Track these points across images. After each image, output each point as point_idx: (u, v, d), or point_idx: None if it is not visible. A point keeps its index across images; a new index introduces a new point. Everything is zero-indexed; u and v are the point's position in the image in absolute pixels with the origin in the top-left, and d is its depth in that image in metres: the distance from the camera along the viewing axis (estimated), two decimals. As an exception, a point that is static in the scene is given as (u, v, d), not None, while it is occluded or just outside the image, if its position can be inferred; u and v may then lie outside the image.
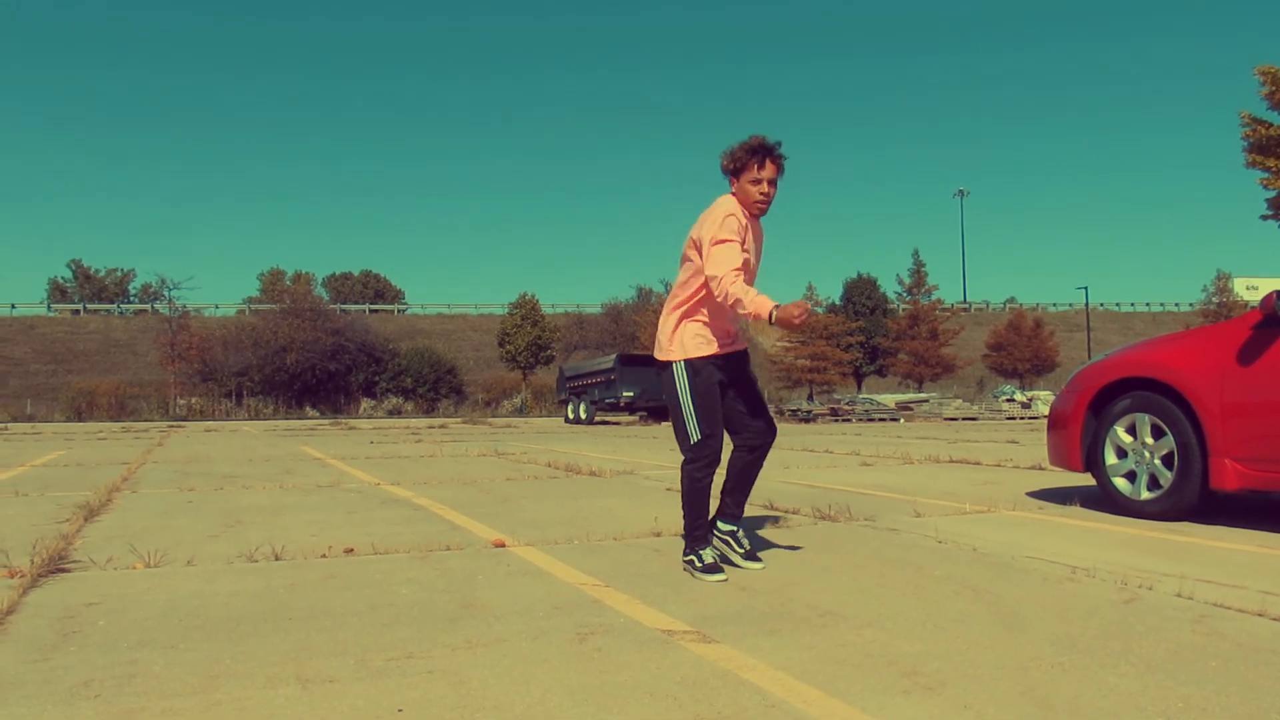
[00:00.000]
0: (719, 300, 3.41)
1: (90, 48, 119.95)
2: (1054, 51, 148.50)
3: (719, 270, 3.36)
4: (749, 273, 3.52)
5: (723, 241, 3.40)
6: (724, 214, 3.45)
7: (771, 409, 31.04)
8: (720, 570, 3.50)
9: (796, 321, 3.17)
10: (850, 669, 2.33)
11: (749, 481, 3.78)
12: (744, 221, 3.49)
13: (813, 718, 1.99)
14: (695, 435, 3.52)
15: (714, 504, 3.74)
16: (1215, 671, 2.29)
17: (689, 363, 3.55)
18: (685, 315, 3.60)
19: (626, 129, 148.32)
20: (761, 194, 3.50)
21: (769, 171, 3.48)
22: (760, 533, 4.53)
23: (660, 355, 3.64)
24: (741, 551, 3.72)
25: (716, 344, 3.58)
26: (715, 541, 3.72)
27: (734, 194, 3.55)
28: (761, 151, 3.47)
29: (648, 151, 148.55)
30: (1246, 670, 2.29)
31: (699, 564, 3.53)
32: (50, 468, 9.67)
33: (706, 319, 3.59)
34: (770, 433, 3.78)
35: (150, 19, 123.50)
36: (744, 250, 3.45)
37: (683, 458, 3.60)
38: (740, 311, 3.38)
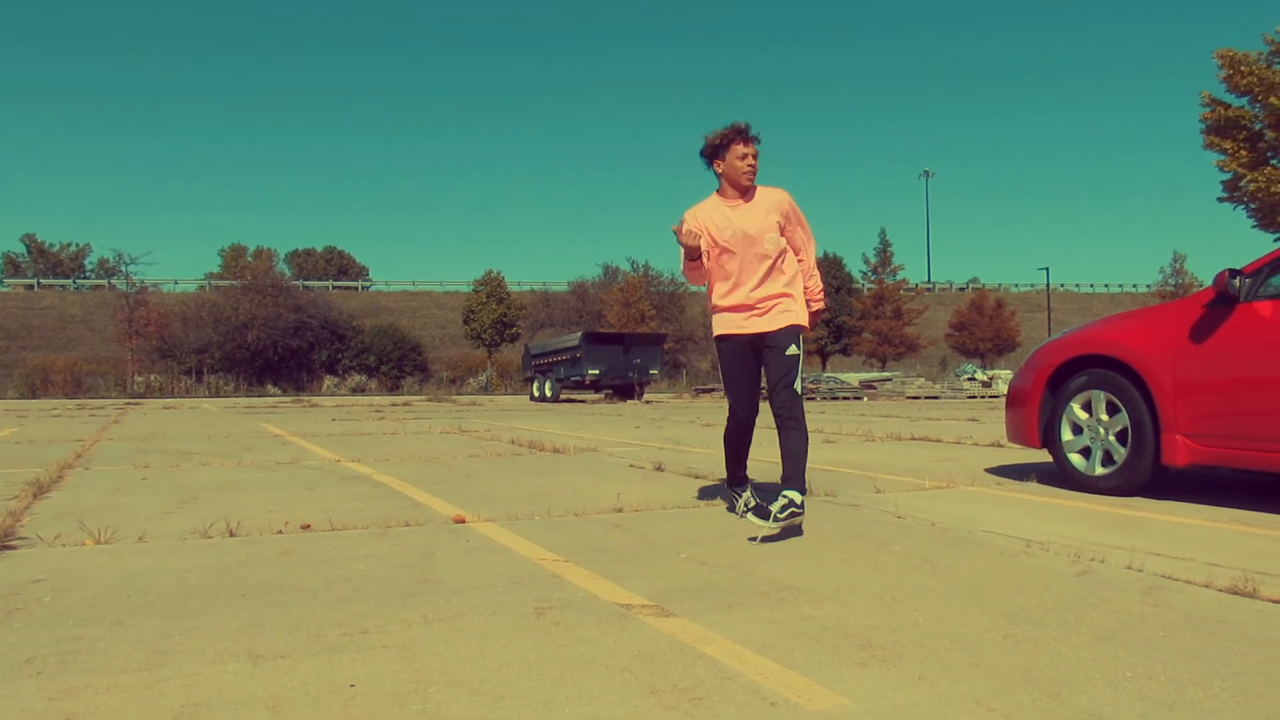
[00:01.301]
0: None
1: (45, 22, 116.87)
2: (1019, 35, 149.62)
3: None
4: (738, 248, 3.98)
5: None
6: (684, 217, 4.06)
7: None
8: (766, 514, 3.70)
9: (685, 240, 3.87)
10: (808, 642, 2.34)
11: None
12: (707, 215, 4.02)
13: (769, 689, 1.99)
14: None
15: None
16: (1162, 641, 2.32)
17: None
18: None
19: (593, 108, 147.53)
20: (749, 166, 3.96)
21: (752, 148, 3.97)
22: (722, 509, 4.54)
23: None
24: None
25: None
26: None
27: (719, 174, 4.02)
28: (745, 132, 3.96)
29: (615, 131, 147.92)
30: (1192, 640, 2.33)
31: (745, 507, 3.88)
32: (0, 444, 9.46)
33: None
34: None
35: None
36: (707, 236, 4.01)
37: None
38: (684, 267, 4.07)
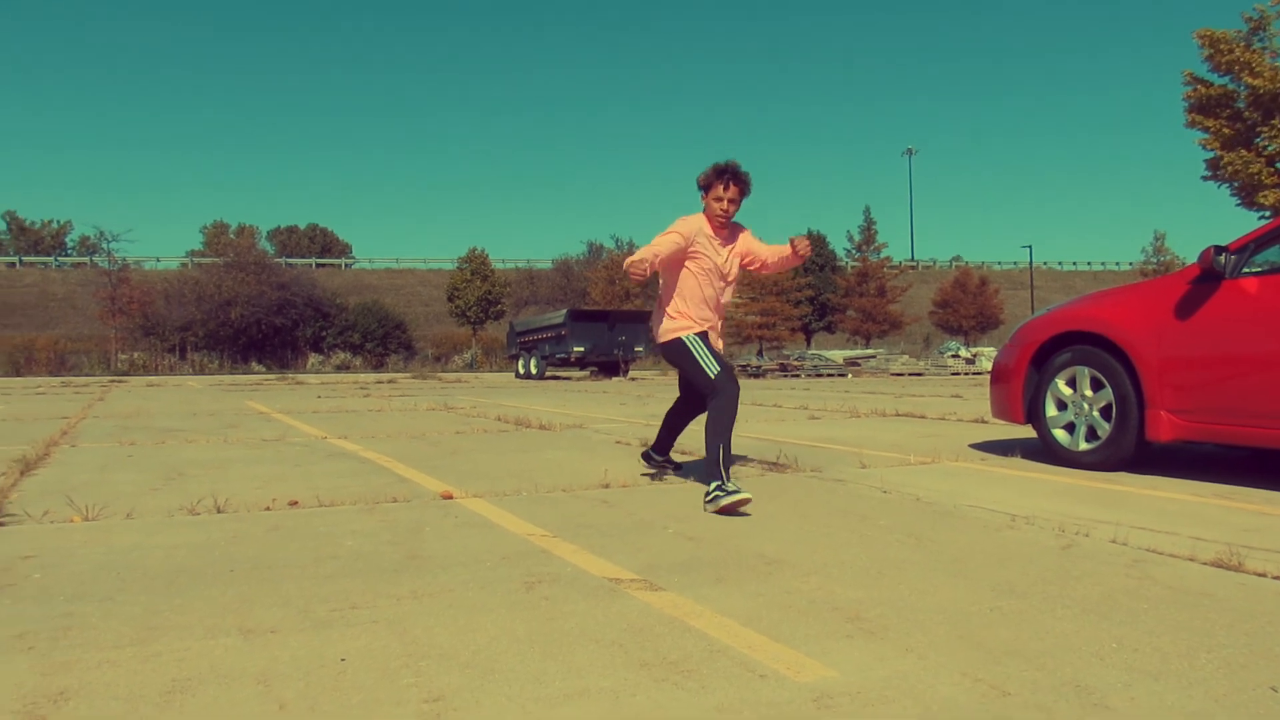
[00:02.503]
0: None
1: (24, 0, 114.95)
2: (1003, 13, 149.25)
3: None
4: (719, 276, 4.39)
5: (657, 238, 4.25)
6: (676, 222, 4.29)
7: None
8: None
9: (625, 268, 4.04)
10: (795, 615, 2.36)
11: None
12: (694, 234, 4.26)
13: (758, 662, 2.01)
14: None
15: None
16: (1148, 613, 2.35)
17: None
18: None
19: (578, 85, 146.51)
20: (722, 210, 4.25)
21: (731, 192, 4.23)
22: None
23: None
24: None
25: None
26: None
27: (705, 207, 4.31)
28: (726, 174, 4.22)
29: (599, 108, 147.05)
30: (1176, 612, 2.36)
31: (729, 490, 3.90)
32: (-17, 422, 9.39)
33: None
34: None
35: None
36: (689, 254, 4.28)
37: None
38: (647, 250, 4.16)
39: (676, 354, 4.31)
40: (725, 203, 4.23)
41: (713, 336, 4.38)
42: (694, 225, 4.27)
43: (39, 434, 7.54)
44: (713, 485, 3.86)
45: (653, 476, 4.86)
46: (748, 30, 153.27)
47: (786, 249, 4.38)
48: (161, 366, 42.19)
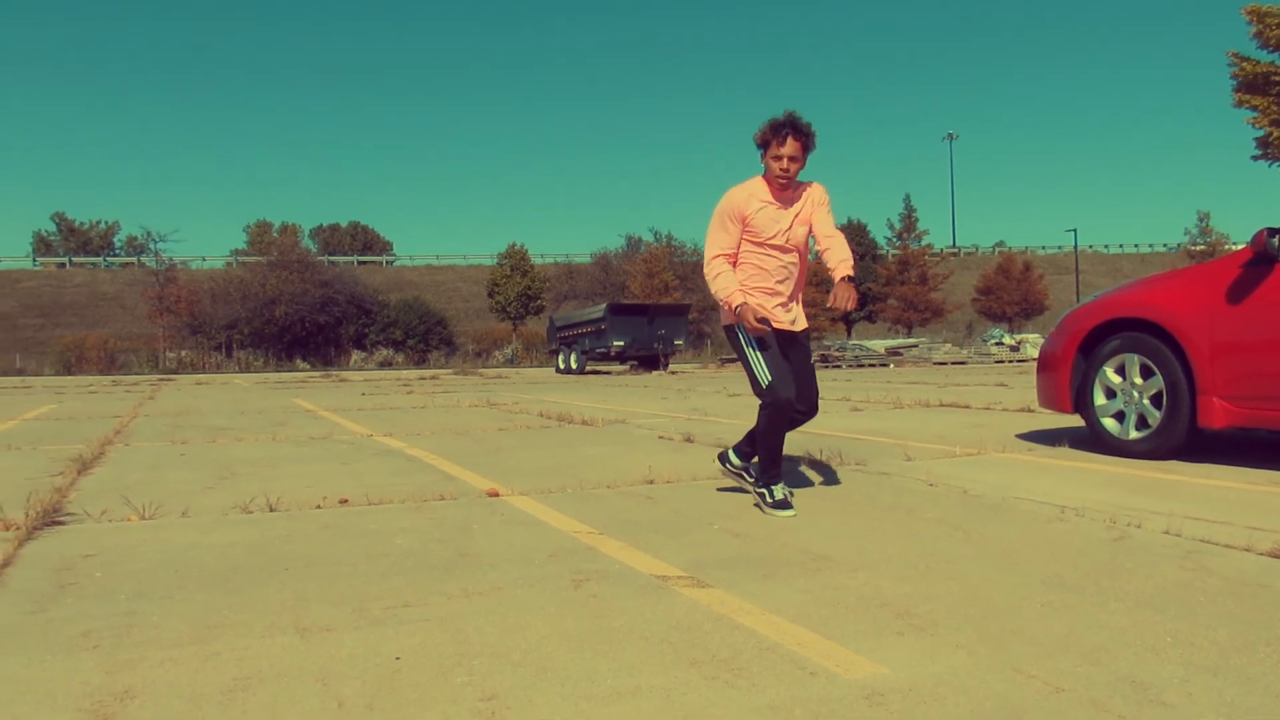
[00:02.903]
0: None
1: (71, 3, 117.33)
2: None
3: (705, 259, 3.86)
4: (781, 245, 3.79)
5: (711, 230, 3.84)
6: (721, 203, 3.81)
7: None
8: (789, 506, 3.73)
9: (750, 325, 3.69)
10: (844, 611, 2.36)
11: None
12: (742, 208, 3.75)
13: (808, 659, 2.01)
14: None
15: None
16: (1203, 606, 2.32)
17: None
18: None
19: (614, 77, 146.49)
20: (781, 169, 3.70)
21: (789, 148, 3.67)
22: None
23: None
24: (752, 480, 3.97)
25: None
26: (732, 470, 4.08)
27: (765, 169, 3.80)
28: (784, 128, 3.68)
29: (636, 100, 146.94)
30: (1233, 604, 2.33)
31: (769, 499, 3.77)
32: (42, 421, 9.64)
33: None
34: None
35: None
36: (745, 229, 3.77)
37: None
38: (713, 290, 3.82)
39: (733, 343, 3.90)
40: (785, 160, 3.68)
41: (781, 314, 3.87)
42: (741, 197, 3.77)
43: (93, 433, 7.72)
44: (756, 491, 3.86)
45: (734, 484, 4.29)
46: (786, 16, 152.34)
47: (837, 274, 3.80)
48: (209, 364, 42.97)
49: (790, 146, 3.67)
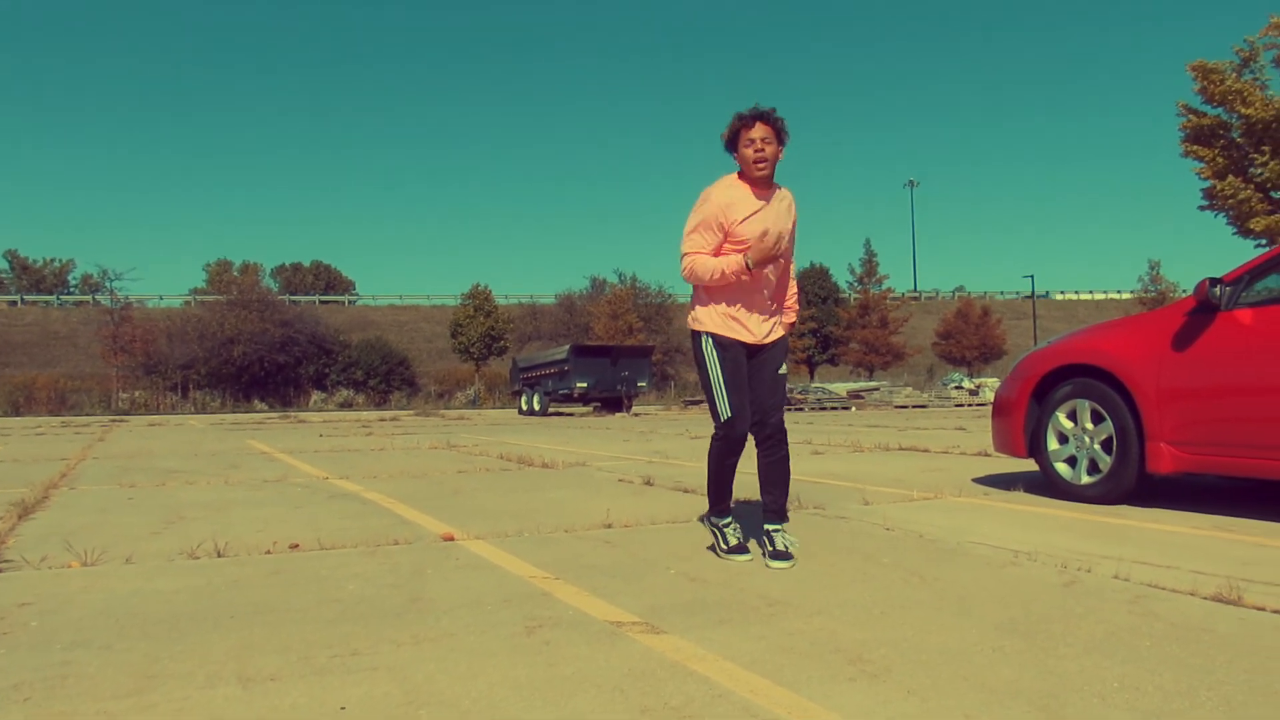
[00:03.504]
0: (690, 280, 3.62)
1: (26, 33, 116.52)
2: (1001, 45, 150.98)
3: (683, 258, 3.60)
4: (767, 250, 3.48)
5: (689, 231, 3.58)
6: (704, 205, 3.55)
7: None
8: (745, 551, 3.64)
9: (772, 251, 3.44)
10: (798, 657, 2.35)
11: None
12: (725, 216, 3.50)
13: (760, 707, 1.99)
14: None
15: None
16: (1149, 650, 2.34)
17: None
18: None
19: (579, 120, 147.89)
20: (756, 152, 3.46)
21: (759, 130, 3.45)
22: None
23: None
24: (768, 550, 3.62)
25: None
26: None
27: (738, 167, 3.57)
28: (749, 116, 3.48)
29: (601, 143, 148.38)
30: (1179, 649, 2.35)
31: (724, 544, 3.68)
32: (-15, 465, 9.39)
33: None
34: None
35: (87, 2, 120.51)
36: (718, 232, 3.52)
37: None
38: (710, 279, 3.52)
39: (695, 357, 3.69)
40: (758, 142, 3.44)
41: (758, 327, 3.62)
42: (723, 202, 3.50)
43: (38, 476, 7.53)
44: (712, 531, 3.78)
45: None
46: (749, 64, 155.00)
47: (785, 317, 3.81)
48: (163, 405, 42.23)
49: (760, 129, 3.45)
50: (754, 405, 3.62)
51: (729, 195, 3.52)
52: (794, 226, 3.67)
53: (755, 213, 3.51)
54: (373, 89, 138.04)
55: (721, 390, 3.57)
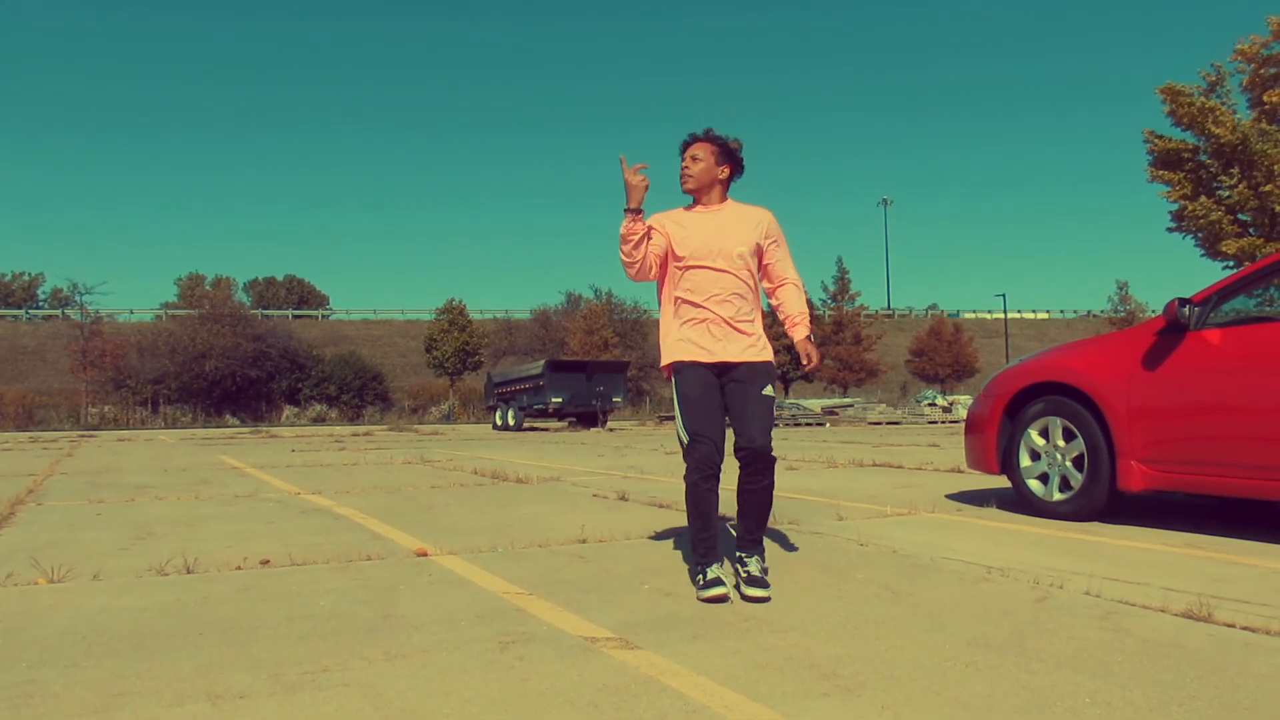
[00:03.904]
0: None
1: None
2: (974, 66, 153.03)
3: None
4: (702, 261, 3.44)
5: None
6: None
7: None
8: (720, 584, 3.21)
9: (632, 181, 3.33)
10: (772, 673, 2.35)
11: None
12: (658, 219, 3.54)
13: (733, 722, 1.99)
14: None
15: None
16: (1120, 666, 2.36)
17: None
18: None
19: (555, 136, 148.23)
20: (682, 168, 3.54)
21: (686, 153, 3.54)
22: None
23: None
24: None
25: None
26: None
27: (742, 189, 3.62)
28: (682, 144, 3.57)
29: (575, 158, 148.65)
30: (1149, 665, 2.37)
31: (701, 580, 3.28)
32: (-51, 480, 9.22)
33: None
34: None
35: (59, 16, 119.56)
36: (670, 252, 3.51)
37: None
38: (621, 249, 3.46)
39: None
40: (684, 164, 3.51)
41: (709, 343, 3.44)
42: (662, 216, 3.57)
43: (4, 492, 7.41)
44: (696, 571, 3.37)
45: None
46: (721, 83, 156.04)
47: (796, 335, 3.63)
48: (133, 420, 41.71)
49: (696, 148, 3.50)
50: (737, 429, 3.39)
51: (665, 215, 3.58)
52: (768, 243, 3.56)
53: (685, 221, 3.53)
54: (347, 103, 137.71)
55: (679, 411, 3.41)
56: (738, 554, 3.40)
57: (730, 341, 3.45)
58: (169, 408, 43.82)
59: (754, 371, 3.44)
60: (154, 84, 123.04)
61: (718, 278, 3.44)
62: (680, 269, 3.49)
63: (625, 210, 3.39)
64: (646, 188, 3.39)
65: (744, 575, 3.31)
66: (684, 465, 3.37)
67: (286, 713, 2.08)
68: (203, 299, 54.26)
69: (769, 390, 3.43)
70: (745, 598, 3.22)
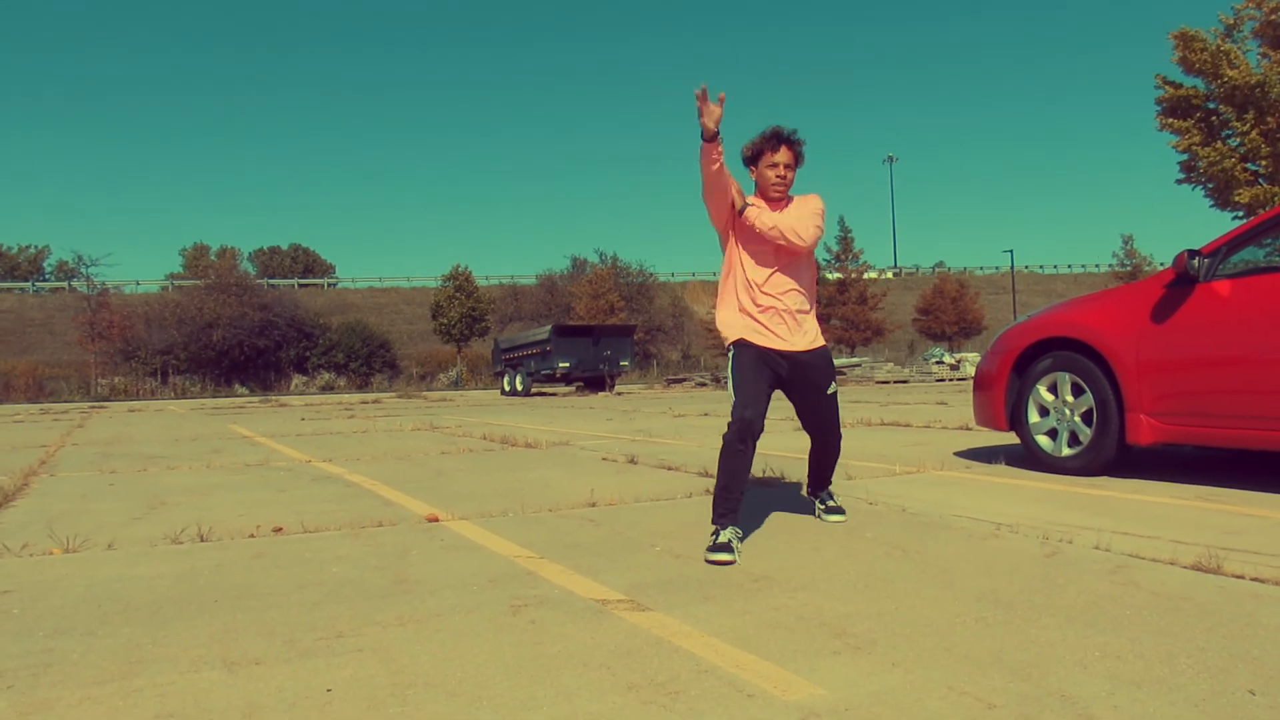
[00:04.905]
0: (756, 231, 3.55)
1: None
2: (979, 21, 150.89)
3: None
4: (772, 254, 3.59)
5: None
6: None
7: (706, 376, 31.19)
8: (728, 550, 3.22)
9: (708, 107, 3.28)
10: (783, 632, 2.36)
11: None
12: (742, 194, 3.60)
13: (746, 681, 2.01)
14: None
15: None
16: (1129, 619, 2.37)
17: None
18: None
19: (558, 101, 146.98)
20: (777, 177, 3.59)
21: (783, 155, 3.58)
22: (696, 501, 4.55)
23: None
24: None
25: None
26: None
27: (755, 182, 3.67)
28: (776, 138, 3.59)
29: (580, 124, 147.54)
30: (1159, 618, 2.38)
31: (712, 541, 3.31)
32: (-38, 453, 9.29)
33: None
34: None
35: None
36: (737, 232, 3.63)
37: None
38: (710, 178, 3.46)
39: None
40: (781, 168, 3.56)
41: (773, 323, 3.59)
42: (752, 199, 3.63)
43: (17, 463, 7.47)
44: (711, 530, 3.39)
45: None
46: (726, 41, 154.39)
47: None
48: (143, 391, 41.88)
49: (784, 154, 3.57)
50: (813, 431, 3.87)
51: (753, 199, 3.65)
52: (815, 228, 3.62)
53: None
54: (351, 72, 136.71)
55: (734, 381, 3.55)
56: (817, 496, 4.04)
57: (797, 330, 3.65)
58: (178, 378, 43.96)
59: (818, 363, 3.73)
60: (157, 55, 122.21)
61: (776, 267, 3.60)
62: (743, 255, 3.61)
63: (705, 140, 3.34)
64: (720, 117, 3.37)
65: (825, 507, 3.97)
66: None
67: (301, 678, 2.10)
68: (208, 269, 54.22)
69: (833, 389, 3.82)
70: (826, 520, 3.93)
